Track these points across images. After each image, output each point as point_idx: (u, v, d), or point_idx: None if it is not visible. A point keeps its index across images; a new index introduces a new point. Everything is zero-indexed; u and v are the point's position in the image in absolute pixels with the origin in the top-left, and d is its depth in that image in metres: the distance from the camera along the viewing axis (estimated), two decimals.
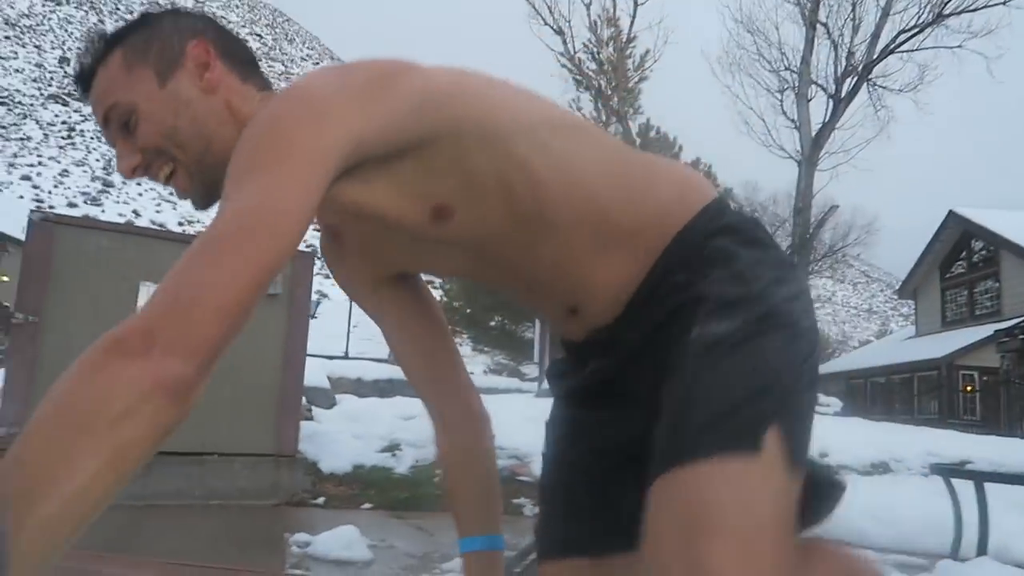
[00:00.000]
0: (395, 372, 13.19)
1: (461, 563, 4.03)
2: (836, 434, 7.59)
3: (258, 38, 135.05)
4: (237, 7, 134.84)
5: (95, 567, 2.90)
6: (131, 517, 4.83)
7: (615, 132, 22.65)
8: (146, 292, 5.13)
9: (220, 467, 5.30)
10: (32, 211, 5.04)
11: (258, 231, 0.69)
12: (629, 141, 19.67)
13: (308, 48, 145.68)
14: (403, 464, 6.37)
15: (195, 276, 0.67)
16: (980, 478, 4.11)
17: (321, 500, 5.47)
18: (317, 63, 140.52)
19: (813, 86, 18.02)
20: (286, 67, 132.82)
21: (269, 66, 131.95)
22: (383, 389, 11.14)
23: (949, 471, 4.30)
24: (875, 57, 17.60)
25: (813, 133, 17.52)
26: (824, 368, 26.25)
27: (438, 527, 5.03)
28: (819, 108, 17.74)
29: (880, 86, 18.08)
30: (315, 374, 7.25)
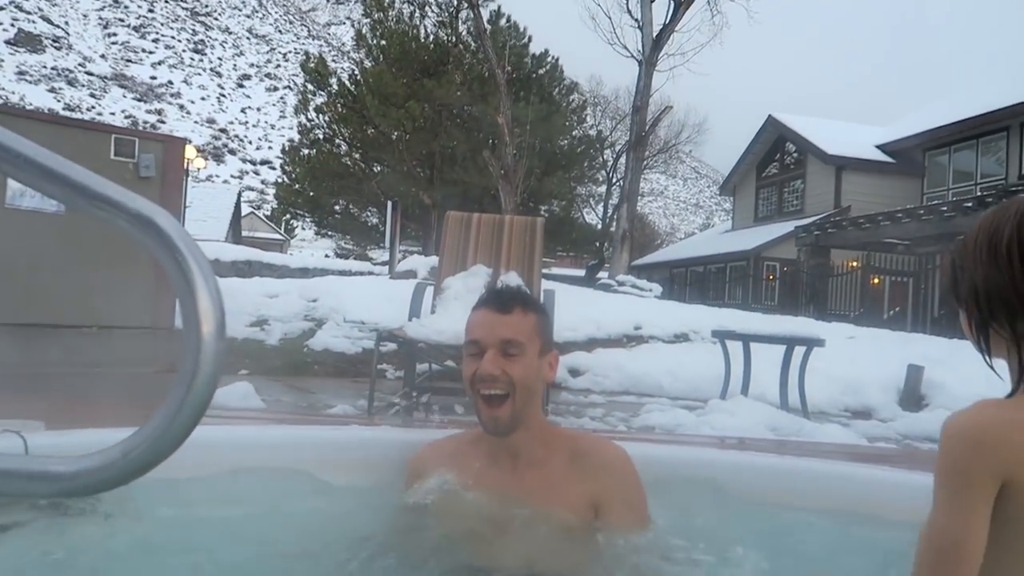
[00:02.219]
0: (252, 254, 13.32)
1: (343, 409, 4.91)
2: (651, 313, 8.90)
3: None
4: None
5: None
6: (19, 384, 5.16)
7: (465, 19, 22.64)
8: None
9: (100, 339, 5.67)
10: None
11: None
12: (480, 29, 19.79)
13: None
14: (273, 337, 6.94)
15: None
16: (746, 339, 5.32)
17: None
18: None
19: None
20: None
21: None
22: (241, 270, 11.37)
23: (723, 334, 5.49)
24: None
25: (655, 34, 18.47)
26: (650, 258, 28.62)
27: (314, 387, 5.74)
28: (660, 10, 18.67)
29: None
30: None
